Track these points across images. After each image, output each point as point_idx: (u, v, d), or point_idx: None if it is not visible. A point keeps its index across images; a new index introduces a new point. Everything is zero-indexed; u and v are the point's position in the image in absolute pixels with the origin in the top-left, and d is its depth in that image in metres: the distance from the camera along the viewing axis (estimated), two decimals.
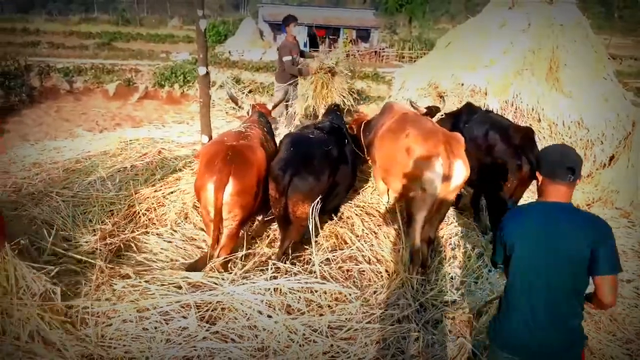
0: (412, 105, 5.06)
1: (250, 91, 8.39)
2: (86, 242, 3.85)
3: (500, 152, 4.44)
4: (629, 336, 3.62)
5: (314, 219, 3.70)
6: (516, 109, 5.94)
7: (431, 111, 5.02)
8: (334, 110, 5.10)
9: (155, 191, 4.85)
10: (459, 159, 3.66)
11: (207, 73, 4.59)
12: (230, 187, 3.42)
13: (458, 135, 3.91)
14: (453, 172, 3.63)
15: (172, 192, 4.85)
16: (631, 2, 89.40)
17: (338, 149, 4.19)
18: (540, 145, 5.22)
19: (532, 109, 5.92)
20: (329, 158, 3.99)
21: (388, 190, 4.72)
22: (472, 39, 6.43)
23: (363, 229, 4.53)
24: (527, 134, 4.48)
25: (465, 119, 4.88)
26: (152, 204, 4.61)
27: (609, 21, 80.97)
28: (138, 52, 23.90)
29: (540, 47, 6.09)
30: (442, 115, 5.02)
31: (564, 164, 2.14)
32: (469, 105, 5.15)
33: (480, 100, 6.14)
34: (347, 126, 5.14)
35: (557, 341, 2.19)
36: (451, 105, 5.83)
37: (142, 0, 79.95)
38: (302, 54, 7.27)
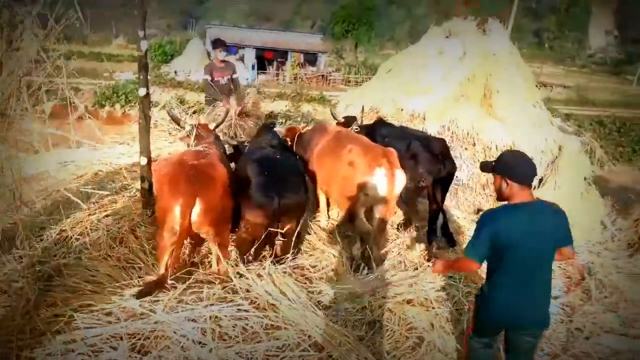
0: (332, 113, 5.77)
1: (194, 112, 8.28)
2: (10, 270, 3.63)
3: (424, 159, 4.93)
4: (556, 351, 3.80)
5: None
6: (452, 133, 6.19)
7: (348, 121, 5.59)
8: (270, 128, 5.29)
9: (90, 214, 4.68)
10: (398, 169, 4.25)
11: (148, 94, 4.52)
12: (197, 208, 3.43)
13: (392, 149, 4.46)
14: (395, 181, 4.20)
15: (107, 216, 4.69)
16: (561, 34, 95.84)
17: (299, 164, 4.60)
18: (473, 168, 5.53)
19: (468, 134, 6.20)
20: (301, 173, 4.38)
21: (328, 206, 5.13)
22: (412, 66, 6.69)
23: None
24: (444, 143, 5.27)
25: (383, 133, 5.33)
26: (86, 228, 4.44)
27: (541, 51, 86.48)
28: (79, 70, 23.19)
29: (475, 75, 6.41)
30: (356, 128, 5.37)
31: (533, 174, 2.83)
32: (381, 120, 5.73)
33: (419, 125, 6.37)
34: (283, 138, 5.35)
35: (546, 306, 2.89)
36: None
37: (86, 18, 78.01)
38: (233, 82, 7.37)
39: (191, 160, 3.75)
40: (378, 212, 4.43)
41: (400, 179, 4.28)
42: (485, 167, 3.04)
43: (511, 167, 2.79)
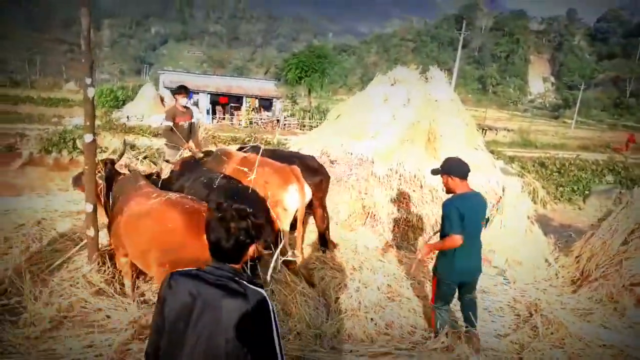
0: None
1: (145, 157, 8.18)
2: None
3: (307, 174, 5.47)
4: None
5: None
6: (400, 175, 6.36)
7: (207, 154, 6.08)
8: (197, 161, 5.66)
9: (31, 265, 4.49)
10: (305, 184, 5.05)
11: (94, 140, 4.46)
12: None
13: (296, 167, 5.18)
14: (304, 193, 5.01)
15: (49, 266, 4.50)
16: (503, 80, 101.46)
17: None
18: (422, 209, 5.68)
19: (415, 176, 6.38)
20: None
21: None
22: (359, 112, 6.91)
23: None
24: (315, 159, 6.23)
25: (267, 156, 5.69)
26: (28, 279, 4.23)
27: (485, 96, 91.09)
28: (27, 115, 22.55)
29: (419, 120, 6.67)
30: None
31: (468, 171, 4.13)
32: (255, 146, 6.24)
33: (368, 168, 6.52)
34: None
35: (480, 261, 4.32)
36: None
37: (34, 63, 76.57)
38: (193, 126, 7.53)
39: (191, 203, 3.90)
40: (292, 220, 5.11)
41: (308, 192, 5.12)
42: (435, 171, 4.29)
43: (454, 167, 4.10)
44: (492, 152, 9.53)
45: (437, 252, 4.29)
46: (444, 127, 6.77)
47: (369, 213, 6.67)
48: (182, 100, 7.39)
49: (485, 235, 6.65)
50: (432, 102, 6.79)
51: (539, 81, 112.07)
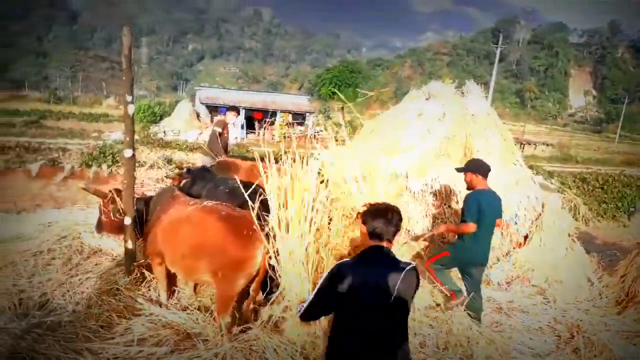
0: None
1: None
2: None
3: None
4: None
5: None
6: (435, 191, 6.26)
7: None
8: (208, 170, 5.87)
9: (71, 277, 4.60)
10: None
11: (133, 155, 4.57)
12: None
13: None
14: None
15: (88, 278, 4.61)
16: (542, 94, 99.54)
17: None
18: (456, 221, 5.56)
19: (450, 191, 6.27)
20: None
21: None
22: (393, 126, 6.84)
23: None
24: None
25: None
26: (67, 290, 4.34)
27: (523, 110, 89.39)
28: (69, 130, 23.43)
29: (454, 135, 6.56)
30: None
31: (489, 169, 4.84)
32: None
33: (403, 183, 6.43)
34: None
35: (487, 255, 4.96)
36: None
37: (77, 79, 79.77)
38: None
39: (231, 210, 4.12)
40: None
41: None
42: (460, 169, 4.99)
43: (480, 165, 4.84)
44: (530, 167, 9.29)
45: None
46: (481, 141, 6.64)
47: (403, 228, 6.57)
48: (231, 118, 8.04)
49: (525, 253, 6.54)
50: (468, 117, 6.68)
51: (580, 95, 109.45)
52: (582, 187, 15.00)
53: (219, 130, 7.71)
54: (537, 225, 6.65)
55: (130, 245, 4.56)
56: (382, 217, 2.72)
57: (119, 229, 4.61)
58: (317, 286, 2.76)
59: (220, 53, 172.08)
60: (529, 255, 6.48)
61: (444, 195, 6.28)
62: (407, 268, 2.59)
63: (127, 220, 4.54)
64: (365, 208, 2.86)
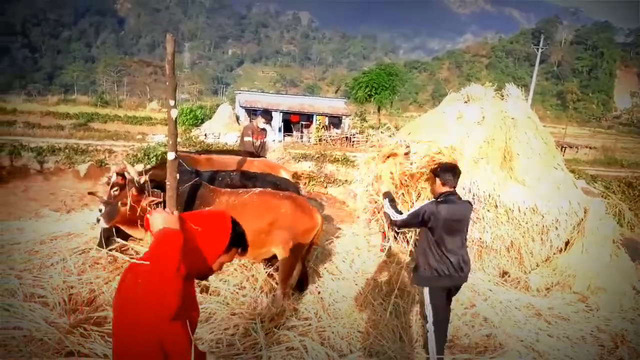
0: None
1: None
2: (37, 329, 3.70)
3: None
4: None
5: None
6: (474, 195, 6.21)
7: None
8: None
9: (118, 274, 4.79)
10: None
11: (176, 157, 4.74)
12: None
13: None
14: None
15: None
16: (585, 96, 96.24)
17: None
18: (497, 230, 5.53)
19: (489, 196, 6.20)
20: None
21: None
22: (431, 130, 6.82)
23: None
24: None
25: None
26: (114, 288, 4.52)
27: (565, 112, 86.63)
28: (114, 132, 24.23)
29: (494, 138, 6.48)
30: None
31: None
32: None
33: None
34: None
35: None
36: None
37: (122, 84, 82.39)
38: (264, 145, 8.41)
39: (285, 192, 5.01)
40: None
41: None
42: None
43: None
44: (572, 171, 9.07)
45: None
46: (521, 145, 6.54)
47: None
48: (260, 123, 8.17)
49: (565, 259, 6.41)
50: (508, 120, 6.59)
51: (626, 96, 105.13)
52: (628, 192, 14.42)
53: (249, 139, 7.99)
54: (579, 231, 6.51)
55: None
56: (451, 171, 4.22)
57: (130, 222, 4.72)
58: (413, 211, 4.10)
59: (260, 57, 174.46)
60: (570, 262, 6.35)
61: (482, 200, 6.23)
62: (469, 202, 4.44)
63: None
64: (436, 166, 4.57)
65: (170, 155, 4.68)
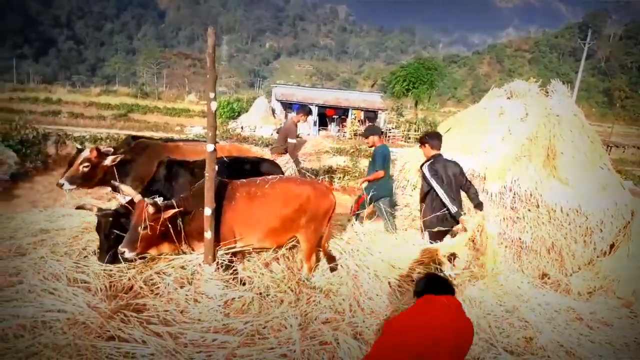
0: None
1: None
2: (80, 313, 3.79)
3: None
4: None
5: None
6: (515, 194, 6.05)
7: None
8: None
9: (156, 263, 4.86)
10: None
11: (215, 150, 4.76)
12: None
13: None
14: None
15: (170, 263, 4.85)
16: (633, 93, 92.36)
17: None
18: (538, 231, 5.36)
19: (531, 195, 6.03)
20: None
21: None
22: (472, 126, 6.68)
23: None
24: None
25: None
26: (150, 277, 4.58)
27: (612, 110, 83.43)
28: (154, 124, 24.82)
29: (537, 136, 6.29)
30: None
31: (381, 130, 6.67)
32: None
33: (480, 185, 6.28)
34: None
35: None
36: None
37: (162, 76, 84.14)
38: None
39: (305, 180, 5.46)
40: None
41: None
42: (362, 134, 7.29)
43: (376, 129, 6.77)
44: (619, 171, 8.71)
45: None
46: (565, 143, 6.32)
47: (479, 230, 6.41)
48: (301, 120, 8.25)
49: (610, 262, 6.17)
50: (553, 117, 6.37)
51: None
52: None
53: (293, 141, 7.99)
54: (625, 234, 6.24)
55: (209, 235, 4.75)
56: (437, 137, 5.56)
57: (154, 242, 4.56)
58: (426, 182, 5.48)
59: (296, 51, 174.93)
60: (614, 265, 6.10)
61: (523, 199, 6.05)
62: (455, 160, 5.53)
63: (207, 211, 4.75)
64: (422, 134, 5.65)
65: (209, 147, 4.70)
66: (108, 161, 5.60)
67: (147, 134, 19.53)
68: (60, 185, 5.50)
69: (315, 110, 36.09)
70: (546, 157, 6.36)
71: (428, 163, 5.51)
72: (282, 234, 4.83)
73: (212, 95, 4.49)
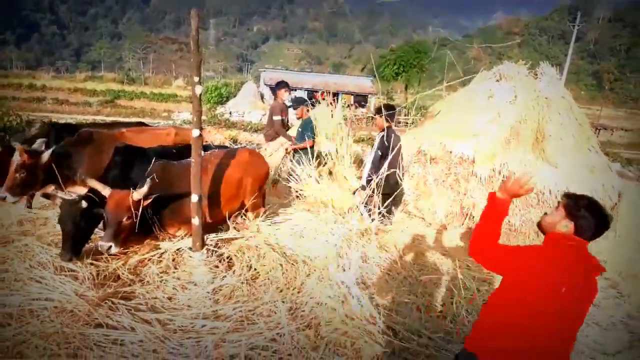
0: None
1: None
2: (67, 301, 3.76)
3: None
4: None
5: None
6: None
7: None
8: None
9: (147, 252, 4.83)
10: None
11: (201, 135, 4.70)
12: None
13: None
14: None
15: (158, 251, 4.82)
16: (621, 76, 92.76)
17: None
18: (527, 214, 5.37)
19: None
20: None
21: None
22: (461, 109, 6.66)
23: None
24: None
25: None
26: (138, 265, 4.55)
27: (600, 93, 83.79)
28: (140, 110, 24.55)
29: (526, 119, 6.29)
30: None
31: (305, 100, 7.40)
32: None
33: (469, 168, 6.28)
34: None
35: None
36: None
37: (148, 61, 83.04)
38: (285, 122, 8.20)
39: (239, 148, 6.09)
40: None
41: None
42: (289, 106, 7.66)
43: (302, 100, 7.44)
44: (607, 154, 8.76)
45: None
46: (554, 126, 6.33)
47: (467, 214, 6.44)
48: (285, 98, 7.99)
49: (597, 244, 6.23)
50: (542, 100, 6.37)
51: None
52: None
53: (279, 118, 7.85)
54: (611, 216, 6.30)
55: (196, 221, 4.71)
56: (393, 110, 6.03)
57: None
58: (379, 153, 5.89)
59: (285, 34, 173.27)
60: (601, 247, 6.16)
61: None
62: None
63: (194, 198, 4.69)
64: (379, 106, 6.12)
65: (195, 133, 4.64)
66: (45, 158, 5.08)
67: (134, 120, 19.33)
68: (3, 199, 4.91)
69: (304, 94, 35.90)
70: (535, 140, 6.38)
71: (383, 134, 5.97)
72: (235, 201, 5.17)
73: (196, 79, 4.40)
